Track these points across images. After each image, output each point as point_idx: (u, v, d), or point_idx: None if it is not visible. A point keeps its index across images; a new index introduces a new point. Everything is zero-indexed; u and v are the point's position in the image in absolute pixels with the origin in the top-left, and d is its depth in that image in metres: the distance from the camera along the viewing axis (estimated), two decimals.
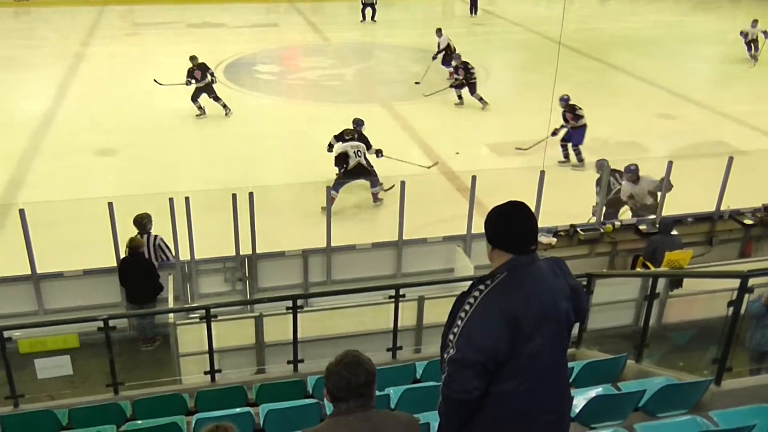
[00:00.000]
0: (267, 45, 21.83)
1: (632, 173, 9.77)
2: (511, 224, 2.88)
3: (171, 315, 6.65)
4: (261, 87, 17.71)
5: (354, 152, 10.86)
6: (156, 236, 8.01)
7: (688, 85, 18.36)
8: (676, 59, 21.09)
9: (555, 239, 8.89)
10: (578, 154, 12.88)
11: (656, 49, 21.82)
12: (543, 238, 8.85)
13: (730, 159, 9.05)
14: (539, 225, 8.78)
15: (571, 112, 12.79)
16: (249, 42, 22.02)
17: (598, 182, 9.74)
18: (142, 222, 7.99)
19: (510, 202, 2.93)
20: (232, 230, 7.85)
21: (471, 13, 26.63)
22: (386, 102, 15.76)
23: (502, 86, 18.29)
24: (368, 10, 25.32)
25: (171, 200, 7.49)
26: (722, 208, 9.39)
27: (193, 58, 14.75)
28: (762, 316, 5.77)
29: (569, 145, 12.91)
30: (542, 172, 8.73)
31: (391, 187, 10.94)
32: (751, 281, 4.59)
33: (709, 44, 23.18)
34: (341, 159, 10.84)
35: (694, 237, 9.28)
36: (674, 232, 8.80)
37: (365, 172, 10.94)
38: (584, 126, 12.86)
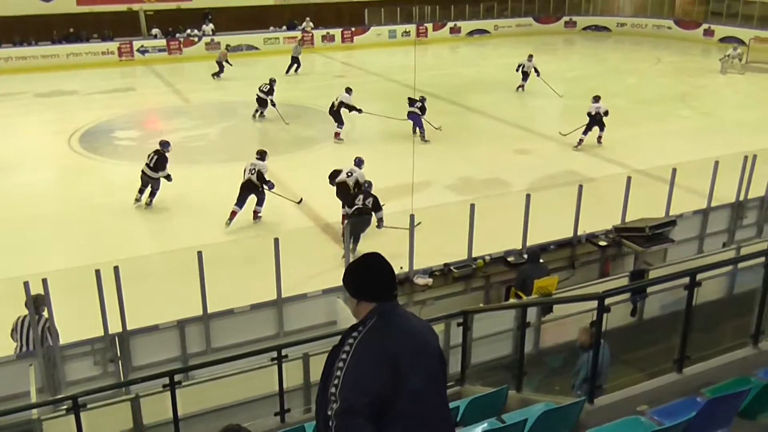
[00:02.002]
0: (124, 110, 21.21)
1: None
2: (370, 276, 2.99)
3: (34, 411, 6.13)
4: (121, 154, 17.12)
5: (249, 169, 12.20)
6: (46, 319, 7.40)
7: (538, 121, 19.61)
8: (525, 98, 22.52)
9: (431, 279, 9.10)
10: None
11: (507, 89, 23.17)
12: (420, 280, 9.04)
13: (580, 187, 9.69)
14: (414, 267, 9.08)
15: None
16: (105, 108, 21.26)
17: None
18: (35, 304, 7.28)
19: (365, 255, 3.06)
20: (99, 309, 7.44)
21: (286, 71, 26.13)
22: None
23: (367, 133, 18.72)
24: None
25: (26, 284, 6.99)
26: (579, 233, 10.01)
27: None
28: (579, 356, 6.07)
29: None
30: (412, 216, 8.97)
31: (299, 201, 12.82)
32: (608, 300, 4.89)
33: (551, 82, 24.88)
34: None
35: (559, 262, 9.80)
36: (541, 260, 9.28)
37: (254, 188, 12.15)
38: None
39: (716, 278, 8.39)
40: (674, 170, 10.49)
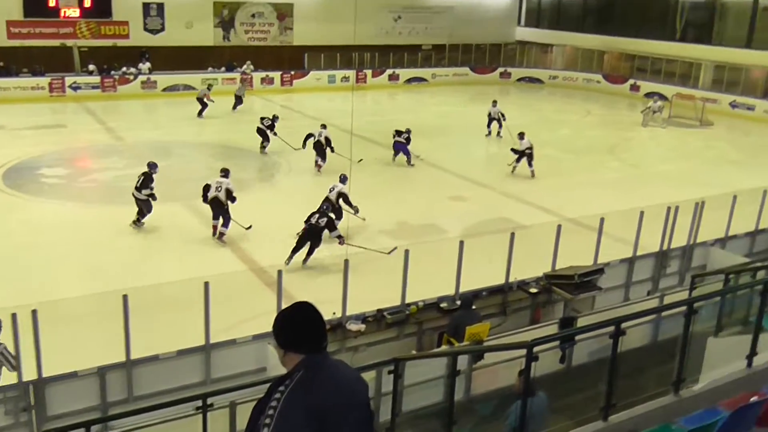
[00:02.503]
0: (53, 147, 20.57)
1: None
2: (298, 328, 2.91)
3: None
4: (47, 192, 16.56)
5: (215, 187, 13.08)
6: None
7: (474, 168, 20.00)
8: (461, 145, 22.99)
9: (364, 325, 9.03)
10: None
11: (443, 136, 23.62)
12: (352, 326, 8.96)
13: (512, 234, 9.88)
14: (347, 312, 9.01)
15: None
16: (32, 145, 20.58)
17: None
18: None
19: (295, 303, 2.98)
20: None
21: (233, 108, 26.74)
22: (187, 200, 15.46)
23: (303, 178, 18.71)
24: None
25: None
26: (511, 280, 10.16)
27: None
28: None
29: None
30: (346, 261, 8.93)
31: (248, 227, 13.43)
32: (537, 348, 4.94)
33: (486, 131, 25.50)
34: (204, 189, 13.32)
35: (491, 309, 9.90)
36: (473, 307, 9.35)
37: (221, 206, 13.07)
38: None
39: (641, 326, 8.63)
40: (602, 219, 10.83)
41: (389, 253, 12.28)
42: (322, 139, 18.52)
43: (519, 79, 38.34)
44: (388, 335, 9.13)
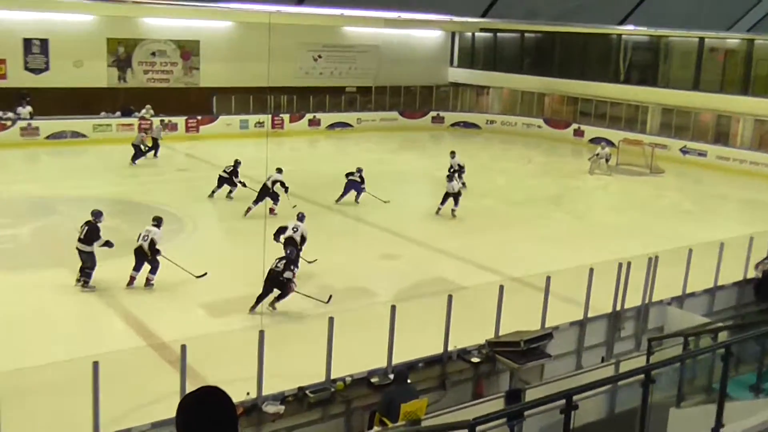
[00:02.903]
0: None
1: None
2: (201, 420, 2.79)
3: None
4: None
5: (142, 235, 13.99)
6: None
7: (405, 223, 20.15)
8: (391, 197, 23.13)
9: (283, 407, 8.82)
10: None
11: (369, 187, 23.77)
12: (270, 408, 8.73)
13: (450, 297, 9.92)
14: (263, 392, 8.78)
15: None
16: None
17: None
18: None
19: (200, 389, 2.87)
20: None
21: (154, 155, 27.13)
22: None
23: (212, 235, 18.44)
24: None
25: None
26: (450, 349, 10.15)
27: None
28: None
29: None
30: (261, 333, 8.76)
31: (202, 274, 14.01)
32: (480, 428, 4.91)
33: (418, 182, 25.87)
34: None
35: (428, 382, 9.84)
36: (409, 381, 9.27)
37: (143, 256, 13.93)
38: None
39: (596, 397, 8.74)
40: (548, 278, 11.02)
41: (327, 301, 13.27)
42: (269, 183, 19.61)
43: (453, 124, 39.33)
44: (311, 417, 8.94)
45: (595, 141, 32.70)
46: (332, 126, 36.39)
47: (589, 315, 11.67)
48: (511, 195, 24.40)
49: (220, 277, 14.70)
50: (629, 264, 11.78)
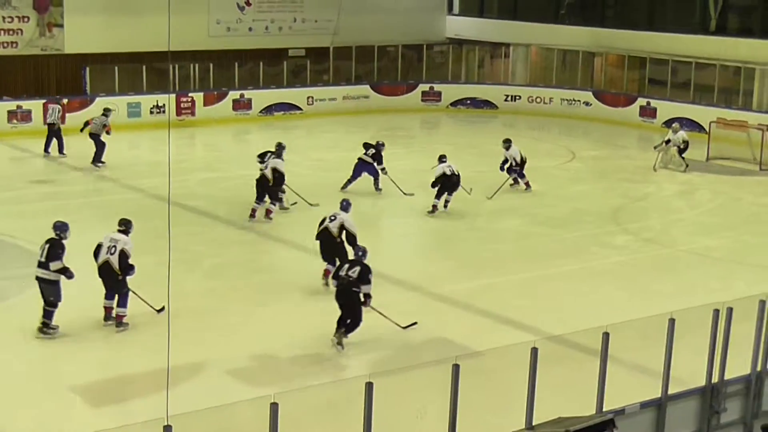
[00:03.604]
0: None
1: None
2: None
3: None
4: None
5: (107, 247, 15.30)
6: None
7: (388, 258, 20.08)
8: (364, 221, 23.06)
9: None
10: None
11: (329, 203, 23.68)
12: None
13: (456, 367, 9.88)
14: None
15: None
16: None
17: None
18: None
19: None
20: None
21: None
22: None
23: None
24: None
25: None
26: None
27: None
28: None
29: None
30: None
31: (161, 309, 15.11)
32: None
33: (401, 186, 25.85)
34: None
35: None
36: None
37: (112, 276, 15.26)
38: None
39: None
40: (606, 335, 10.99)
41: (405, 328, 15.40)
42: (268, 172, 21.54)
43: (454, 103, 39.47)
44: None
45: (671, 122, 32.85)
46: (269, 109, 36.52)
47: (671, 391, 11.66)
48: (547, 210, 24.40)
49: (105, 356, 14.82)
50: (730, 311, 11.78)
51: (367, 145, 24.65)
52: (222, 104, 35.56)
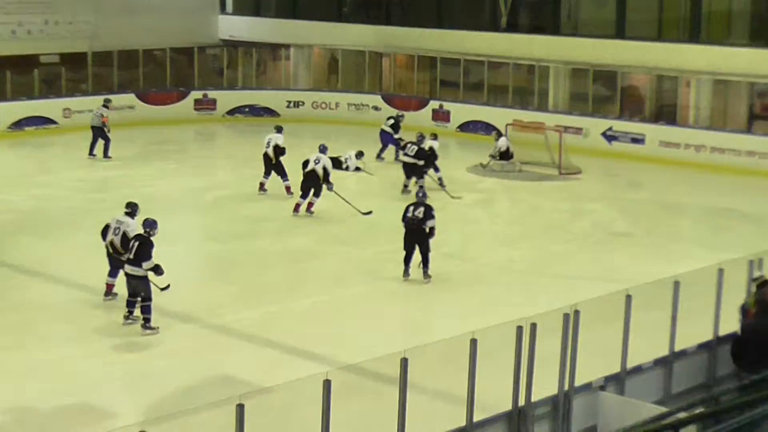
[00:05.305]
0: None
1: None
2: None
3: None
4: None
5: (113, 228, 17.48)
6: None
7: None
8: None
9: None
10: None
11: (93, 229, 23.28)
12: None
13: (240, 408, 9.80)
14: None
15: None
16: None
17: None
18: None
19: None
20: None
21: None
22: None
23: None
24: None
25: None
26: None
27: None
28: None
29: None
30: None
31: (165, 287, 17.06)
32: None
33: (181, 213, 25.61)
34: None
35: None
36: None
37: (119, 263, 17.30)
38: None
39: None
40: (405, 361, 11.08)
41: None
42: (319, 169, 24.27)
43: (231, 111, 39.55)
44: None
45: (466, 127, 33.50)
46: (18, 124, 35.72)
47: (477, 418, 11.81)
48: (336, 227, 24.68)
49: None
50: (534, 327, 12.05)
51: (397, 116, 31.78)
52: None
